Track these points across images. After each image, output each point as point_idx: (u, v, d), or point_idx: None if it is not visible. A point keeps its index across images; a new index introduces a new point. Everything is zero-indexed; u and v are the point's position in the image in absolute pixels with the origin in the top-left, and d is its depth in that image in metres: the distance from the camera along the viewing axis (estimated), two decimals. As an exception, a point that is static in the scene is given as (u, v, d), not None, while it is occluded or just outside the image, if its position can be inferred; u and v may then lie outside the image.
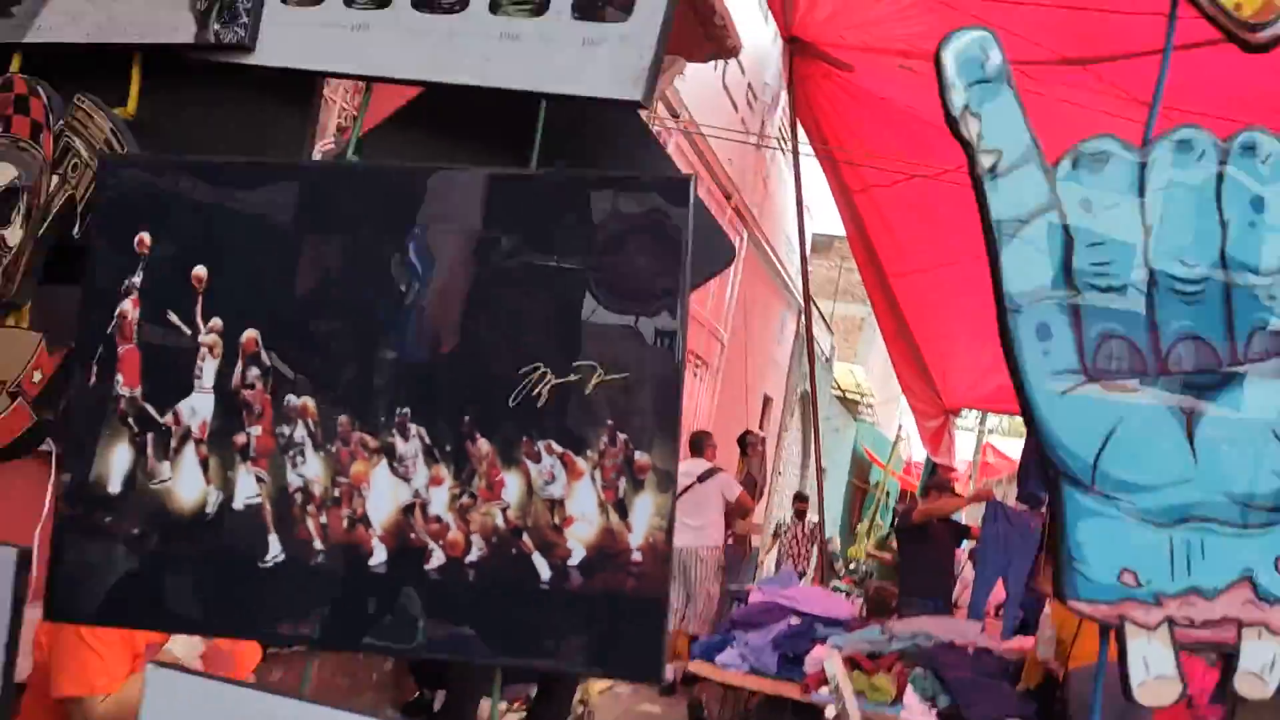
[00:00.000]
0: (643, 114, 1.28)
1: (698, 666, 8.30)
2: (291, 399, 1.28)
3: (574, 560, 1.20)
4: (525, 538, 1.22)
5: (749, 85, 12.33)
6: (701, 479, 9.36)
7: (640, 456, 1.20)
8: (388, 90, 1.39)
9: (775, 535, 12.93)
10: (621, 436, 1.21)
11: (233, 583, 1.27)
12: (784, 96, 11.31)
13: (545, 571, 1.21)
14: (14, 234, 1.42)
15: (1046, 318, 1.01)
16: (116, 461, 1.30)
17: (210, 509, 1.28)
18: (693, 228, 1.22)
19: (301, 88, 1.42)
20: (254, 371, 1.29)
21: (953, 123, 1.03)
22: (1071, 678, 6.65)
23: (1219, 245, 1.00)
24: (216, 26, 1.39)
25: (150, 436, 1.30)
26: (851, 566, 15.47)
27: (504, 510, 1.22)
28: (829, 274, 19.06)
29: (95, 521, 1.30)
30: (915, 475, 17.77)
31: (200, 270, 1.31)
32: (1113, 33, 4.75)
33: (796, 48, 10.45)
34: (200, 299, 1.30)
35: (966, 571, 13.26)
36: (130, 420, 1.30)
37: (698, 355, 11.79)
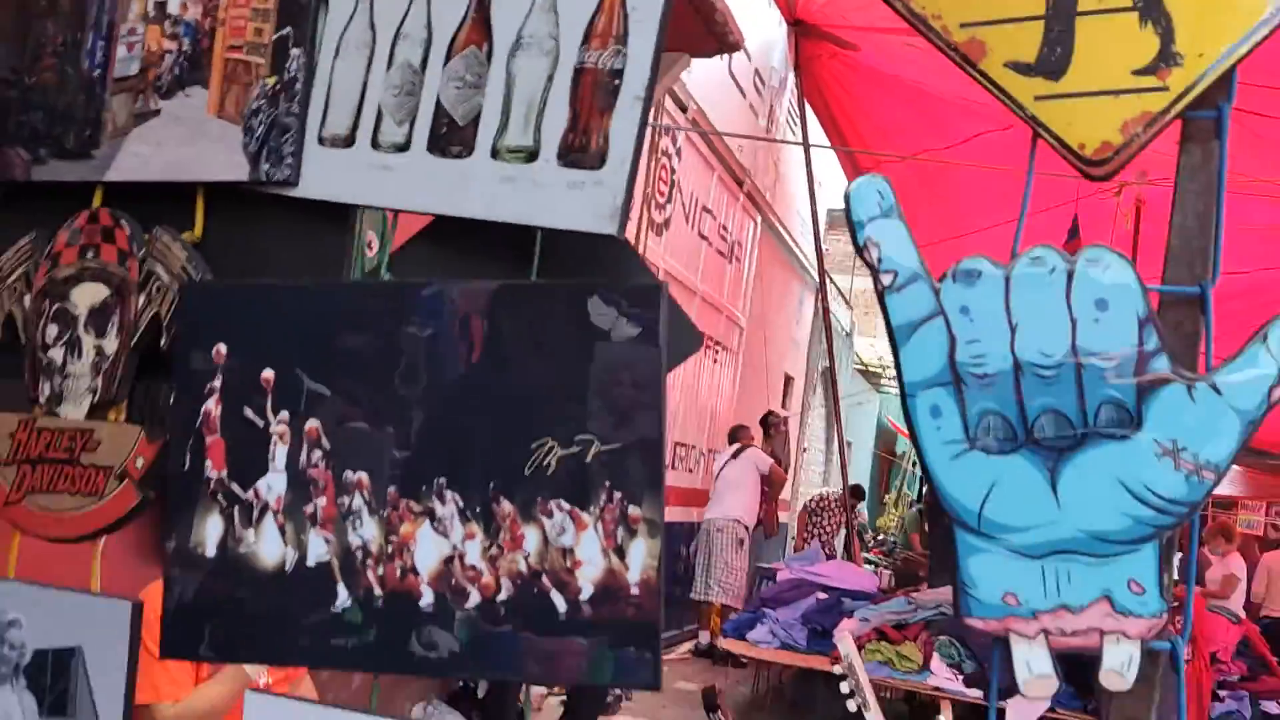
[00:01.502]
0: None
1: (730, 644, 8.61)
2: (349, 474, 1.58)
3: (584, 596, 1.50)
4: (544, 579, 1.51)
5: (755, 71, 12.52)
6: (735, 455, 9.85)
7: (633, 510, 1.49)
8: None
9: (811, 514, 13.15)
10: (617, 494, 1.50)
11: (311, 624, 1.57)
12: (791, 79, 11.50)
13: (562, 605, 1.50)
14: (110, 344, 1.72)
15: (937, 400, 1.29)
16: (210, 531, 1.61)
17: (289, 566, 1.58)
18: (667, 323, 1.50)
19: (340, 212, 1.70)
20: (317, 454, 1.59)
21: (859, 250, 1.31)
22: None
23: (1070, 338, 1.27)
24: (266, 166, 1.68)
25: (236, 510, 1.60)
26: (880, 538, 15.74)
27: (526, 558, 1.52)
28: (847, 248, 19.24)
29: (197, 579, 1.60)
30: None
31: (268, 373, 1.61)
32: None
33: (801, 30, 10.61)
34: (270, 397, 1.60)
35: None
36: (219, 497, 1.61)
37: (717, 341, 12.07)
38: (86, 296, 1.74)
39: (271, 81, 1.69)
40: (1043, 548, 1.27)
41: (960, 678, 8.31)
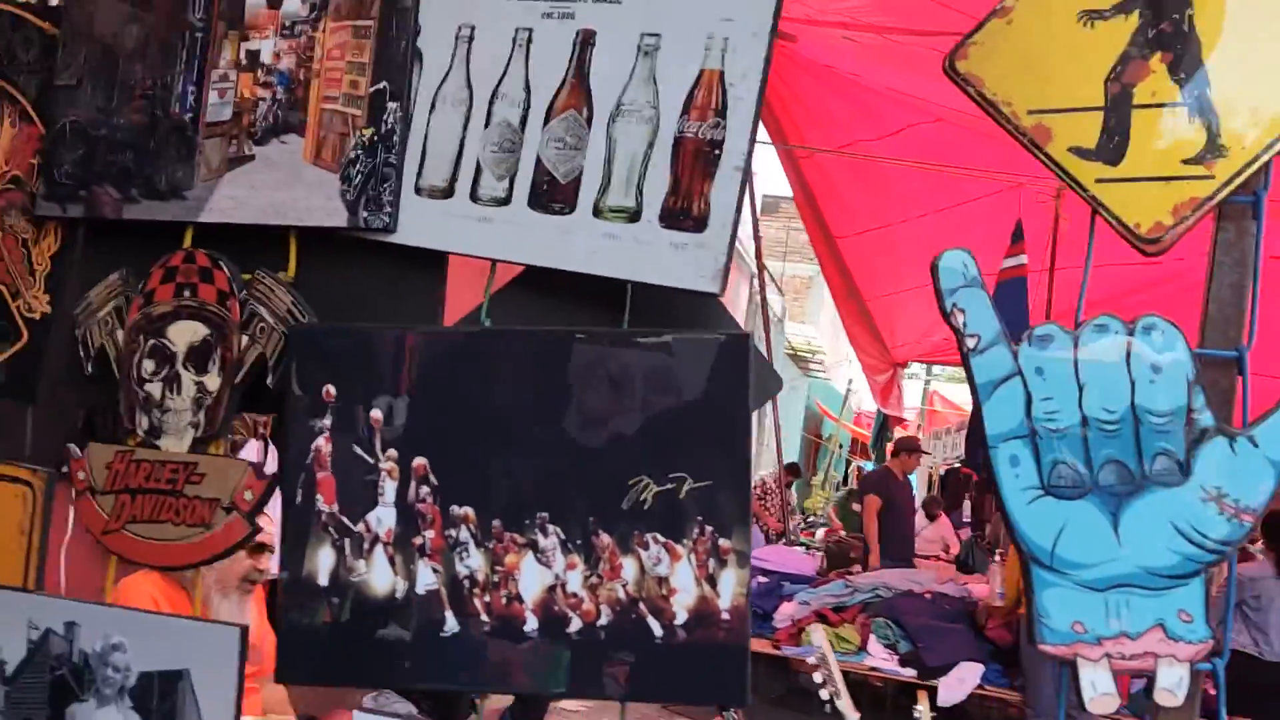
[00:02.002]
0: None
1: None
2: (455, 509, 1.70)
3: (679, 621, 1.65)
4: (641, 606, 1.65)
5: (694, 61, 12.61)
6: None
7: (723, 542, 1.64)
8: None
9: (758, 499, 13.43)
10: (709, 528, 1.65)
11: (421, 649, 1.69)
12: (728, 69, 11.63)
13: (658, 630, 1.65)
14: (212, 381, 1.81)
15: (1016, 451, 1.47)
16: (323, 561, 1.72)
17: (399, 595, 1.70)
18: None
19: (432, 259, 1.82)
20: (424, 489, 1.71)
21: (945, 314, 1.48)
22: (1020, 622, 7.36)
23: (1130, 397, 1.45)
24: (365, 214, 1.79)
25: (347, 541, 1.72)
26: (809, 520, 16.12)
27: (624, 586, 1.66)
28: (778, 235, 19.56)
29: (310, 607, 1.72)
30: (866, 425, 18.41)
31: (376, 413, 1.72)
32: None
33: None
34: (378, 435, 1.72)
35: (919, 523, 13.91)
36: (331, 530, 1.72)
37: (657, 328, 12.17)
38: (184, 334, 1.83)
39: (369, 133, 1.79)
40: (1106, 582, 1.46)
41: (896, 658, 8.64)
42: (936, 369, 19.00)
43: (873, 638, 8.89)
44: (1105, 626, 1.46)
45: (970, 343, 1.48)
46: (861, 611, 9.36)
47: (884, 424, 16.26)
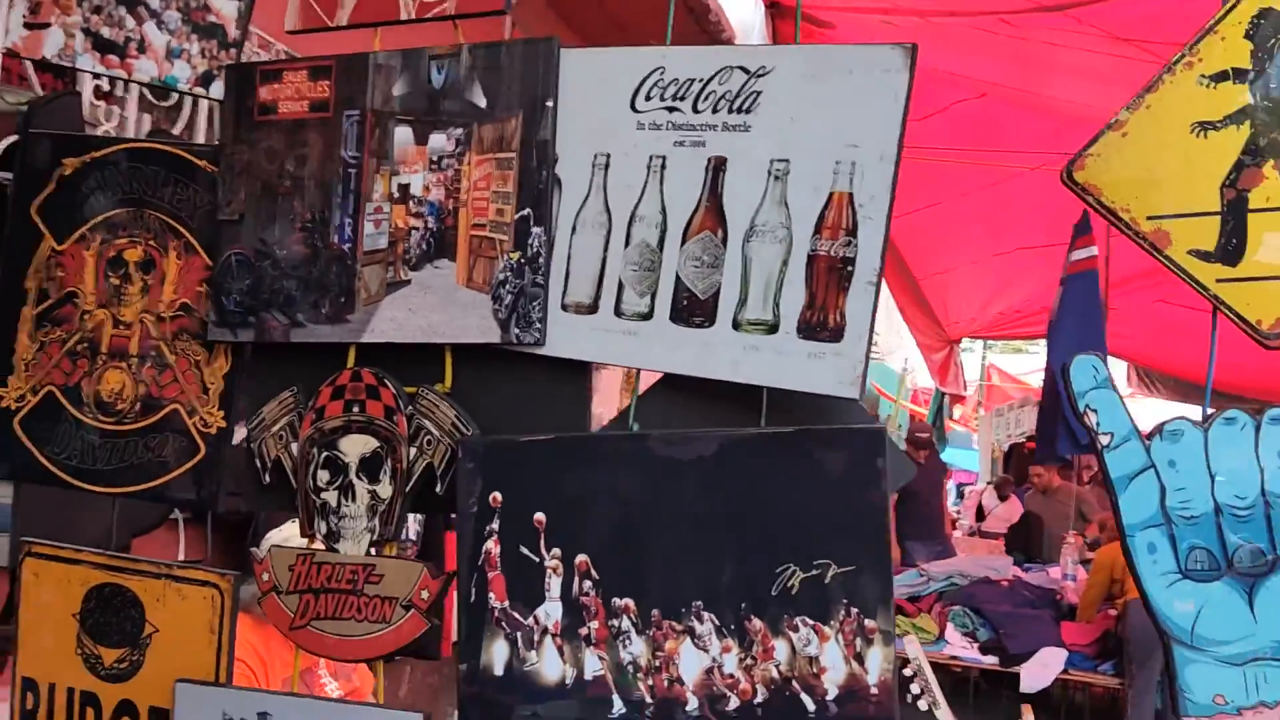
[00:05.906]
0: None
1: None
2: (616, 600, 1.85)
3: (830, 697, 1.78)
4: (794, 684, 1.79)
5: (737, 56, 12.68)
6: None
7: (869, 622, 1.77)
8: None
9: None
10: (854, 609, 1.78)
11: (592, 731, 1.84)
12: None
13: (811, 706, 1.78)
14: (384, 489, 1.97)
15: (1153, 539, 1.59)
16: (498, 653, 1.87)
17: (569, 682, 1.85)
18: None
19: (577, 367, 1.96)
20: (587, 584, 1.86)
21: (1079, 416, 1.59)
22: (1128, 609, 7.42)
23: (1260, 483, 1.56)
24: (516, 330, 1.93)
25: (519, 634, 1.87)
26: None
27: (777, 666, 1.79)
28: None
29: (488, 696, 1.87)
30: (923, 403, 18.39)
31: (540, 515, 1.87)
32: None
33: (777, 12, 10.79)
34: (542, 535, 1.87)
35: (990, 503, 13.87)
36: (504, 624, 1.87)
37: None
38: (356, 446, 1.99)
39: (516, 256, 1.93)
40: (1243, 657, 1.57)
41: (975, 645, 8.70)
42: (993, 340, 18.87)
43: (950, 626, 8.96)
44: (1245, 698, 1.58)
45: (1104, 439, 1.60)
46: (937, 600, 9.42)
47: (941, 402, 16.22)
